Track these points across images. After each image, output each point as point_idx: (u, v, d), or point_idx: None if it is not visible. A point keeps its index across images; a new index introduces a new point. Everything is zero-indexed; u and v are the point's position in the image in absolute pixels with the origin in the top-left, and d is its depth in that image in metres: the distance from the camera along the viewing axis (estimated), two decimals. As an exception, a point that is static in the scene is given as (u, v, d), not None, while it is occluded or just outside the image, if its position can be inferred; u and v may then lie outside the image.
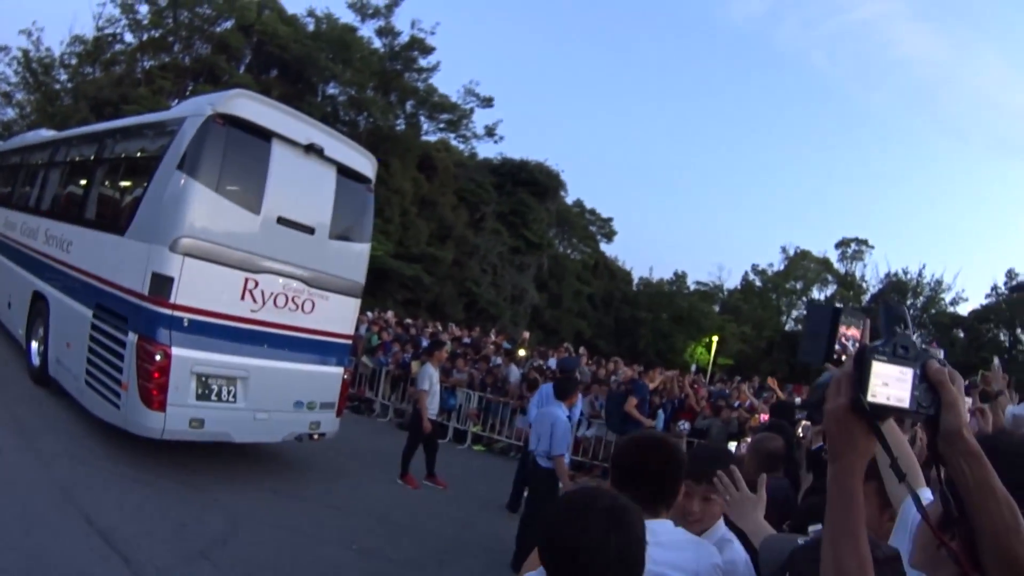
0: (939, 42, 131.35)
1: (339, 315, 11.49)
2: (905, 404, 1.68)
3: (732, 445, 13.62)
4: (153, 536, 7.51)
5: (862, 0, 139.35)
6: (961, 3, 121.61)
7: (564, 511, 2.29)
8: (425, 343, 20.15)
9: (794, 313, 75.63)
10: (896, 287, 69.28)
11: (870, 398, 1.66)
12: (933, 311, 67.79)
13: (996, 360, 9.86)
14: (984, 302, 66.73)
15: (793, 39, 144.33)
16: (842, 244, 75.34)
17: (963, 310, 67.98)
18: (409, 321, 29.40)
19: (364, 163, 11.79)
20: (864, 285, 73.51)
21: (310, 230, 10.75)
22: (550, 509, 2.37)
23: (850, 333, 2.49)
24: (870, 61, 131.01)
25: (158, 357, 9.08)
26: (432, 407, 12.99)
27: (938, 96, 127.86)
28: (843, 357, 2.44)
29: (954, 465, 1.71)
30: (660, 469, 3.16)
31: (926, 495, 2.48)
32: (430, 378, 12.98)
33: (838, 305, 2.75)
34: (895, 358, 1.70)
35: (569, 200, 68.83)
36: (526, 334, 31.46)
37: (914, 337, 1.77)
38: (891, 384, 1.68)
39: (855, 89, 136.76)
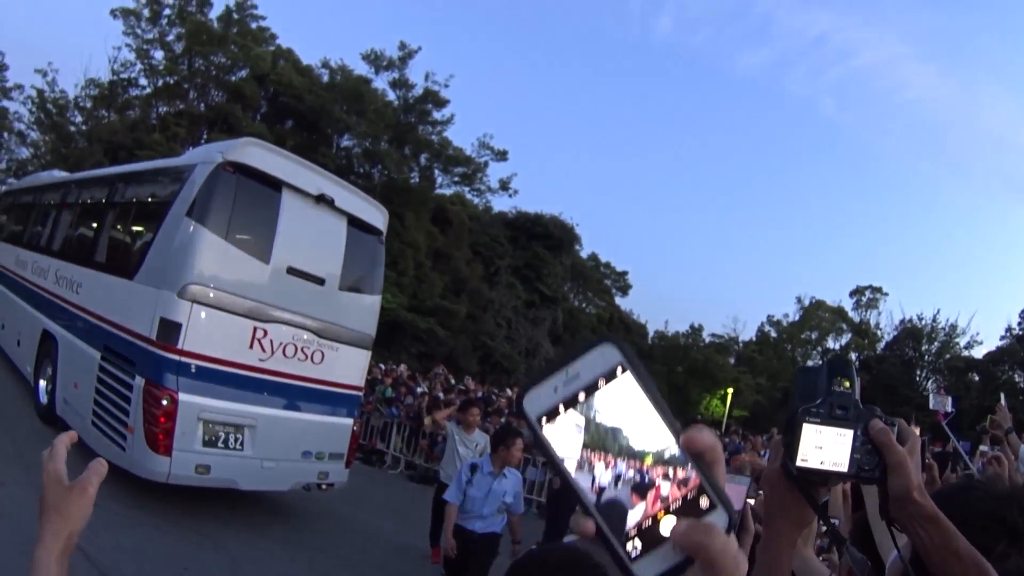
0: (946, 82, 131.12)
1: (349, 366, 11.50)
2: (843, 468, 1.59)
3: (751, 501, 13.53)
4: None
5: (869, 45, 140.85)
6: (967, 43, 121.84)
7: (521, 565, 2.34)
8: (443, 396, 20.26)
9: (809, 363, 74.95)
10: (911, 334, 68.87)
11: (800, 462, 1.60)
12: (948, 356, 67.28)
13: (1003, 398, 9.76)
14: (999, 343, 66.12)
15: (802, 86, 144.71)
16: (856, 292, 75.05)
17: (978, 353, 67.11)
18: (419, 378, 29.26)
19: (375, 215, 11.86)
20: (879, 333, 73.19)
21: (320, 281, 10.81)
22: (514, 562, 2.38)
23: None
24: (878, 106, 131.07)
25: (165, 402, 9.12)
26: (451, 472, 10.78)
27: (946, 137, 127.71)
28: None
29: (909, 530, 1.67)
30: None
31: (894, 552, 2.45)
32: (454, 440, 11.82)
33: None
34: (831, 419, 1.64)
35: (584, 254, 69.03)
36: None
37: (856, 395, 1.69)
38: (826, 447, 1.61)
39: (865, 135, 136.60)
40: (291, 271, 10.40)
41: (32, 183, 22.02)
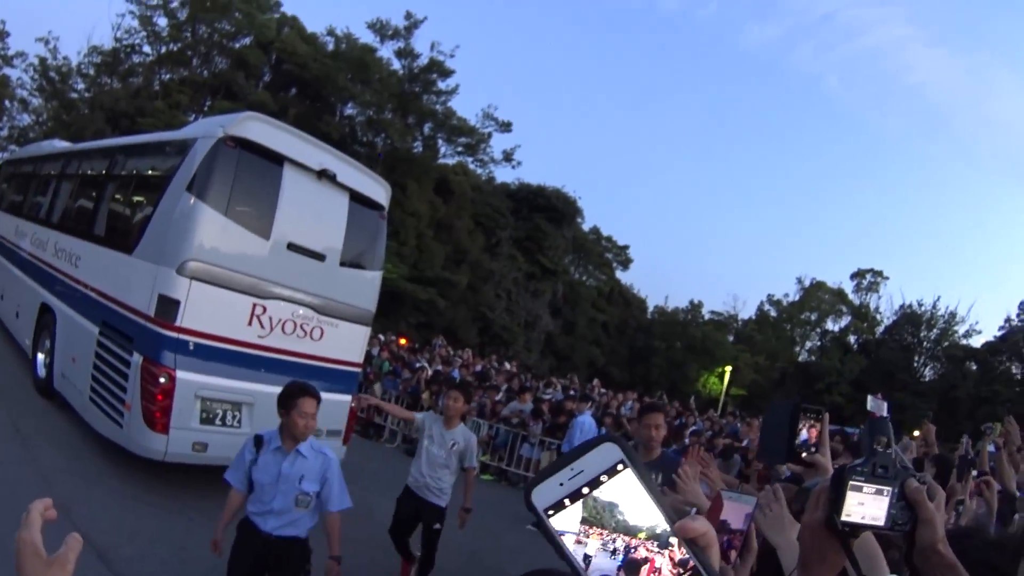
0: (953, 66, 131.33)
1: (348, 343, 11.52)
2: (880, 523, 1.71)
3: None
4: (151, 558, 7.55)
5: (876, 25, 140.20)
6: (974, 26, 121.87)
7: None
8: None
9: (808, 344, 75.74)
10: (910, 319, 69.19)
11: (845, 517, 1.69)
12: (946, 343, 67.52)
13: (1010, 417, 9.82)
14: (998, 333, 66.36)
15: (807, 64, 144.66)
16: (857, 275, 75.18)
17: (976, 342, 67.78)
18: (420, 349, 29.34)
19: (378, 190, 11.82)
20: (879, 317, 73.35)
21: (321, 257, 10.81)
22: None
23: (809, 432, 2.52)
24: (884, 86, 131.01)
25: (162, 380, 9.14)
26: (417, 476, 8.63)
27: (952, 121, 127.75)
28: (803, 455, 2.49)
29: None
30: None
31: None
32: (424, 436, 8.75)
33: (797, 401, 2.74)
34: (873, 478, 1.72)
35: (585, 227, 69.21)
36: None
37: (892, 455, 1.77)
38: (867, 504, 1.70)
39: (871, 115, 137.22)
40: (291, 247, 10.39)
41: (33, 152, 21.99)
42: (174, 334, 9.35)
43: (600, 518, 1.00)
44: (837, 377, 64.54)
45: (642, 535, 1.00)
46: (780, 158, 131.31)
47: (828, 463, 2.71)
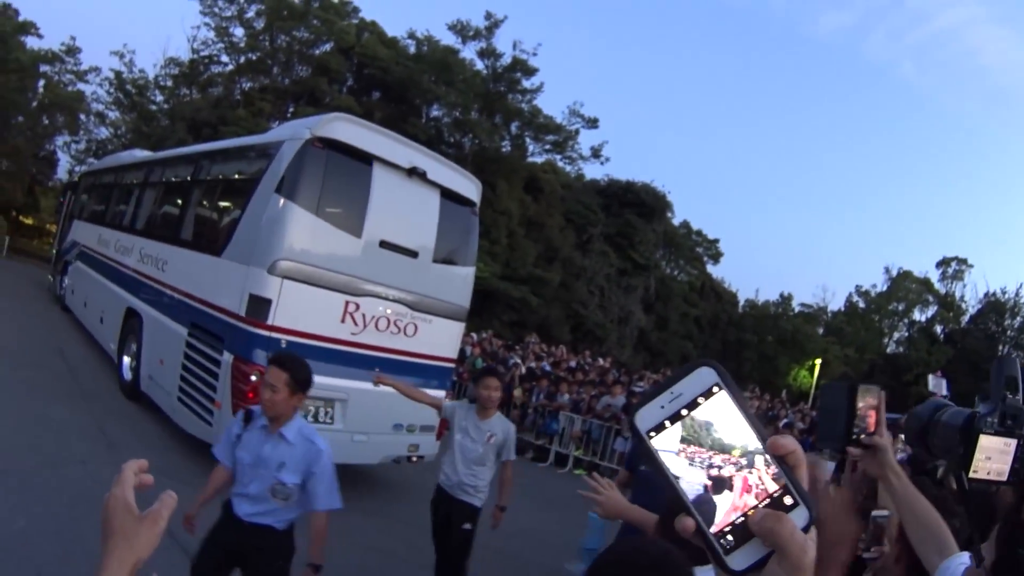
0: (1021, 46, 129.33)
1: (442, 338, 11.63)
2: (1003, 478, 1.63)
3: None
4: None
5: (942, 7, 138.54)
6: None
7: (606, 566, 2.22)
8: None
9: (896, 335, 74.74)
10: (994, 307, 68.01)
11: (972, 474, 1.61)
12: None
13: None
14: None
15: (882, 50, 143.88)
16: (942, 263, 74.01)
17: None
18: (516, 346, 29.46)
19: (468, 186, 11.89)
20: (964, 306, 72.17)
21: (413, 253, 10.90)
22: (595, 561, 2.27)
23: (867, 409, 2.41)
24: (956, 69, 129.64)
25: (254, 378, 9.25)
26: (450, 474, 7.85)
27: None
28: (862, 437, 2.38)
29: None
30: None
31: (963, 559, 2.33)
32: (455, 426, 7.92)
33: (853, 382, 2.61)
34: (1002, 429, 1.66)
35: (675, 221, 68.69)
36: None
37: (1021, 402, 1.70)
38: (994, 458, 1.66)
39: (946, 99, 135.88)
40: (384, 244, 10.49)
41: (114, 163, 22.69)
42: (266, 332, 9.50)
43: (698, 436, 1.05)
44: (924, 368, 63.49)
45: (736, 452, 1.04)
46: (863, 148, 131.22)
47: (888, 444, 2.60)
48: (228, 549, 5.61)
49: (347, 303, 10.17)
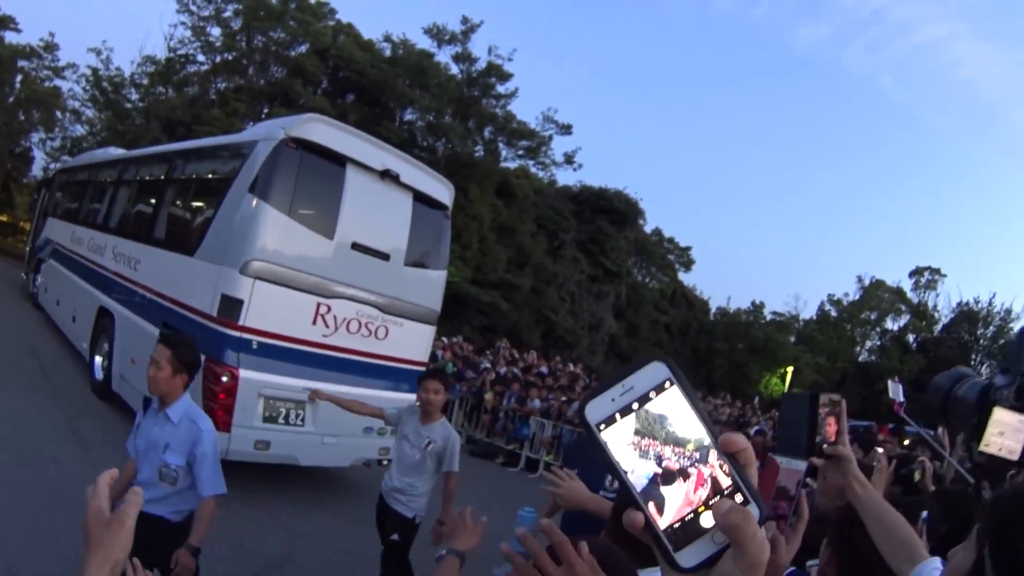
0: (1001, 61, 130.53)
1: (413, 342, 11.68)
2: (1015, 456, 1.63)
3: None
4: (209, 554, 7.65)
5: (924, 21, 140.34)
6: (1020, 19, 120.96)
7: None
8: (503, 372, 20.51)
9: (868, 344, 75.05)
10: (967, 317, 68.53)
11: (983, 447, 1.62)
12: (1002, 341, 66.71)
13: None
14: (1055, 330, 65.57)
15: (860, 63, 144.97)
16: (915, 273, 74.27)
17: (1034, 340, 66.74)
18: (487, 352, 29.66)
19: (441, 190, 11.97)
20: (936, 315, 72.62)
21: (385, 256, 10.97)
22: None
23: (827, 418, 2.48)
24: (936, 84, 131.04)
25: (225, 379, 9.32)
26: (387, 480, 7.65)
27: (1004, 117, 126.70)
28: (824, 447, 2.47)
29: None
30: None
31: (935, 563, 2.44)
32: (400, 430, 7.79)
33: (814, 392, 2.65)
34: (1018, 404, 1.62)
35: (648, 228, 68.40)
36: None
37: None
38: (1007, 434, 1.61)
39: (924, 112, 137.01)
40: (356, 247, 10.55)
41: (88, 160, 22.62)
42: (237, 333, 9.54)
43: (652, 429, 1.06)
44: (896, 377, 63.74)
45: (690, 446, 1.06)
46: (838, 158, 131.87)
47: (851, 454, 2.69)
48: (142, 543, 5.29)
49: (319, 305, 10.22)
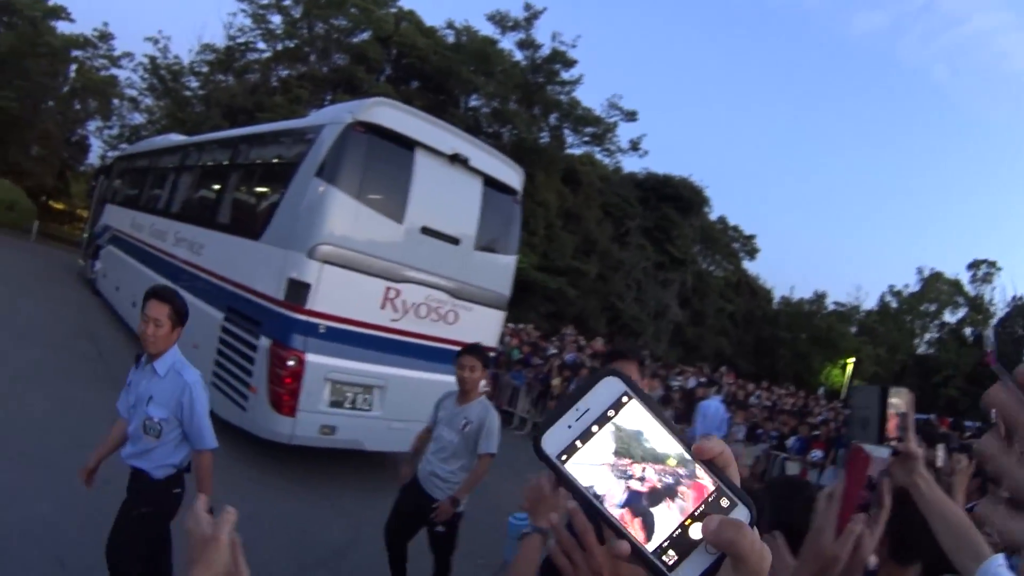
0: None
1: (483, 326, 11.51)
2: None
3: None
4: (271, 542, 7.52)
5: (972, 11, 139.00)
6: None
7: None
8: (572, 358, 20.31)
9: (927, 336, 74.36)
10: (1021, 311, 67.77)
11: None
12: None
13: None
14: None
15: (915, 53, 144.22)
16: (973, 266, 73.60)
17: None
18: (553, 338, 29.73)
19: (511, 174, 11.85)
20: (992, 309, 71.90)
21: (455, 241, 10.85)
22: None
23: (895, 413, 2.30)
24: (987, 74, 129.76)
25: (291, 363, 9.28)
26: (424, 464, 7.24)
27: None
28: (893, 443, 2.29)
29: None
30: None
31: (999, 560, 2.27)
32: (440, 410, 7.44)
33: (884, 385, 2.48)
34: None
35: (712, 216, 68.36)
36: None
37: None
38: None
39: (978, 103, 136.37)
40: (425, 231, 10.46)
41: (149, 147, 22.84)
42: (304, 317, 9.47)
43: (623, 449, 0.98)
44: (953, 370, 63.16)
45: (671, 461, 0.99)
46: (897, 148, 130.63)
47: (919, 451, 2.48)
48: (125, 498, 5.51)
49: (387, 289, 10.12)
